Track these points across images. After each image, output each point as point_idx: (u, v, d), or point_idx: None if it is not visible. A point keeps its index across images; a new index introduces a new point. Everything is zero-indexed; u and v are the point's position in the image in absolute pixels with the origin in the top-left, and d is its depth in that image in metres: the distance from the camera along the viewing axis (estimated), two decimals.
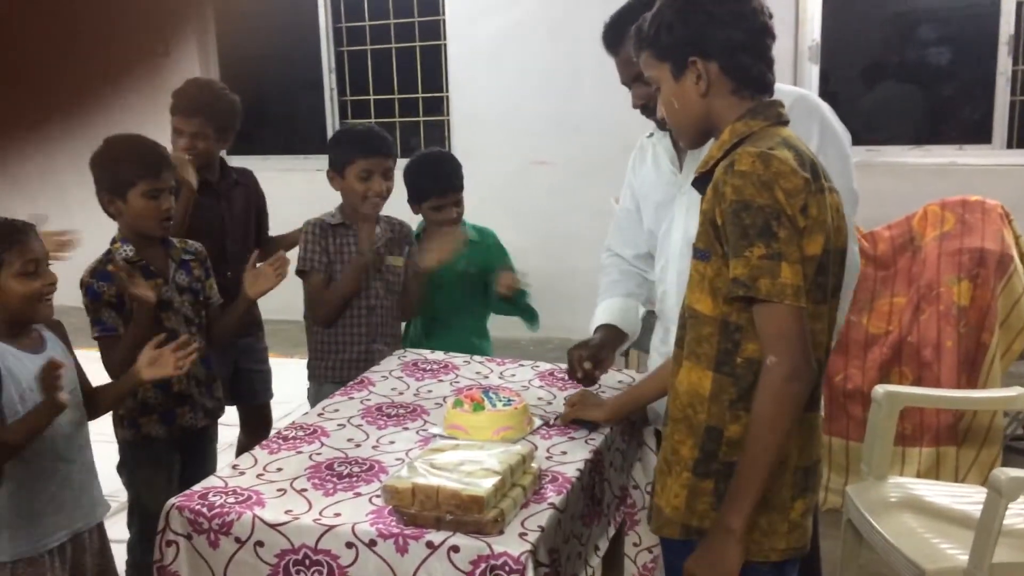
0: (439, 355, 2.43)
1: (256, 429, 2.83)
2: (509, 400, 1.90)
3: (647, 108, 1.97)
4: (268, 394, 2.96)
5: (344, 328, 2.50)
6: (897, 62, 5.26)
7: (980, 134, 4.76)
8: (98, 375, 2.10)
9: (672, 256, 1.96)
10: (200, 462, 2.32)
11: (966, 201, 3.28)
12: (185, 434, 2.29)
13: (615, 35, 1.96)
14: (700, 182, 1.53)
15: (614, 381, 2.19)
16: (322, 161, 2.63)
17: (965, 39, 5.02)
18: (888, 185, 4.15)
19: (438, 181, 2.67)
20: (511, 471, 1.55)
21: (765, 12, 1.48)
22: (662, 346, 2.05)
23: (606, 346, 2.09)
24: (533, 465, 1.64)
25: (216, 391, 2.37)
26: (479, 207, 3.07)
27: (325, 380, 2.50)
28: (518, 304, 2.71)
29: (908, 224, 3.32)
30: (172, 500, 1.60)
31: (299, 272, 2.50)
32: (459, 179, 2.69)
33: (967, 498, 2.24)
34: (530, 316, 2.76)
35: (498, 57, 5.42)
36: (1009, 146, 4.67)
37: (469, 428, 1.84)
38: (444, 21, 5.60)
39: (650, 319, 2.29)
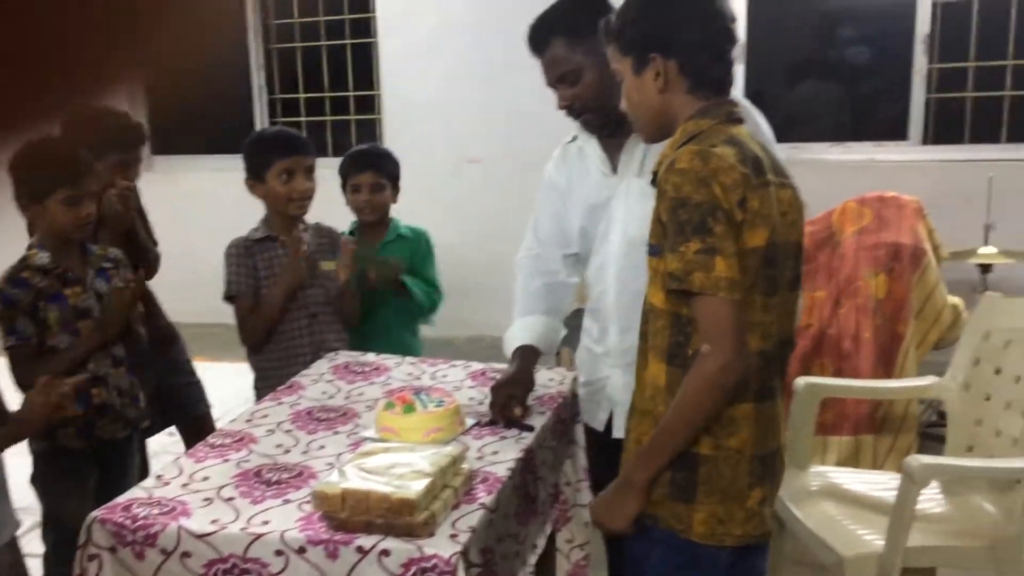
0: (371, 357, 2.43)
1: (196, 441, 2.77)
2: (440, 401, 1.91)
3: (572, 109, 1.99)
4: (204, 405, 2.88)
5: (288, 342, 2.47)
6: (818, 61, 5.40)
7: (897, 131, 4.92)
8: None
9: (611, 256, 1.99)
10: (119, 474, 2.26)
11: (883, 197, 3.40)
12: (104, 446, 2.24)
13: (539, 37, 1.98)
14: (655, 180, 1.56)
15: (545, 379, 2.21)
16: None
17: (883, 38, 5.19)
18: (810, 182, 4.21)
19: (355, 160, 2.71)
20: (442, 473, 1.57)
21: (727, 16, 1.53)
22: (597, 345, 2.08)
23: (529, 379, 2.03)
24: (464, 466, 1.66)
25: (141, 401, 2.33)
26: (414, 205, 3.08)
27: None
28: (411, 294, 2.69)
29: (828, 220, 3.43)
30: (94, 513, 1.57)
31: (226, 298, 2.46)
32: (378, 161, 2.71)
33: (883, 485, 2.33)
34: (416, 298, 2.71)
35: (430, 55, 5.42)
36: (924, 142, 4.84)
37: (400, 430, 1.85)
38: (375, 19, 5.57)
39: (575, 317, 2.32)
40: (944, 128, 4.82)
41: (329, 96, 5.87)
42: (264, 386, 2.45)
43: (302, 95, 5.92)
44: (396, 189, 2.75)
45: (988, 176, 3.70)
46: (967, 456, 2.25)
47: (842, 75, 5.35)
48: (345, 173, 2.73)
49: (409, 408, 1.87)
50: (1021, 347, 2.19)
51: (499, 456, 1.79)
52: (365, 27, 5.68)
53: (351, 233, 2.76)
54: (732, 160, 1.42)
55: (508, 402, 1.97)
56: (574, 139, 2.13)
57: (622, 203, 1.98)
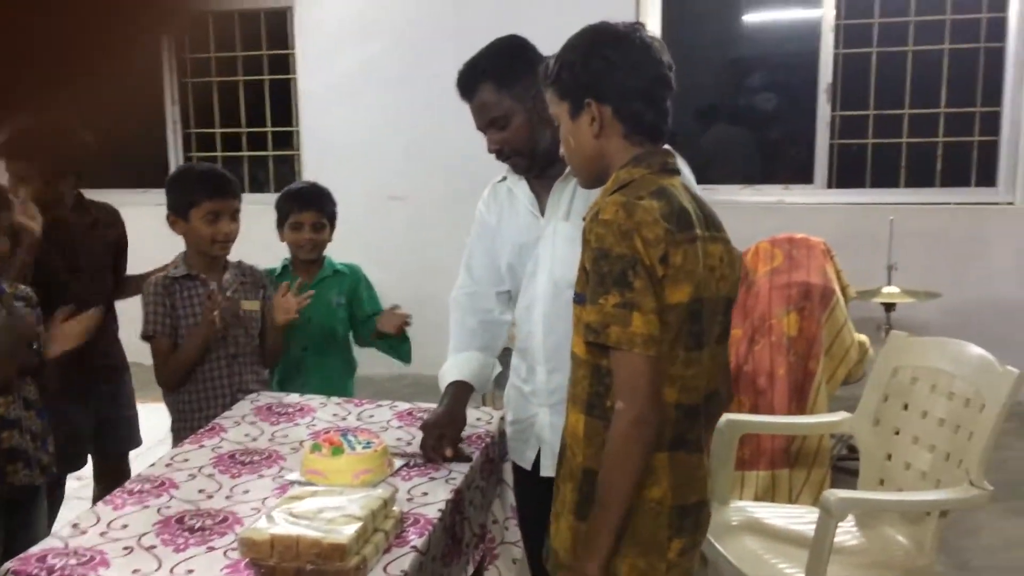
0: (294, 397, 2.39)
1: (111, 481, 2.68)
2: (368, 443, 1.89)
3: (501, 153, 2.02)
4: (135, 442, 2.82)
5: (206, 383, 2.41)
6: (729, 107, 5.60)
7: (804, 175, 5.12)
8: None
9: (537, 297, 2.01)
10: (28, 524, 2.15)
11: (792, 238, 3.53)
12: (14, 493, 2.14)
13: (468, 82, 2.00)
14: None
15: (472, 418, 2.21)
16: (164, 196, 2.56)
17: (789, 87, 5.42)
18: (723, 222, 4.40)
19: (297, 198, 2.69)
20: (373, 516, 1.55)
21: (664, 63, 1.54)
22: (525, 384, 2.09)
23: (460, 417, 2.05)
24: (395, 508, 1.64)
25: (50, 445, 2.24)
26: (335, 242, 3.06)
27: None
28: (399, 343, 2.71)
29: (742, 260, 3.53)
30: (7, 565, 1.50)
31: (143, 337, 2.40)
32: (320, 200, 2.71)
33: (801, 518, 2.40)
34: (401, 351, 2.77)
35: (352, 92, 5.42)
36: (829, 186, 5.05)
37: (328, 473, 1.82)
38: (294, 55, 5.54)
39: (504, 355, 2.34)
40: (847, 172, 5.05)
41: (246, 132, 5.80)
42: (182, 428, 2.39)
43: (218, 130, 5.84)
44: (333, 228, 2.76)
45: (889, 219, 3.88)
46: (879, 489, 2.34)
47: (751, 120, 5.56)
48: (285, 210, 2.71)
49: (337, 450, 1.85)
50: (927, 384, 2.30)
51: (429, 497, 1.78)
52: (284, 63, 5.65)
53: (283, 268, 2.74)
54: (656, 214, 1.42)
55: (439, 442, 1.98)
56: (504, 179, 2.15)
57: (549, 245, 2.01)
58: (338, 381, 2.71)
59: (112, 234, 2.76)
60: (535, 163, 2.02)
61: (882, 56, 4.92)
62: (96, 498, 2.71)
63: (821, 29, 4.92)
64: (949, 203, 4.87)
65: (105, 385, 2.68)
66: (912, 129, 4.95)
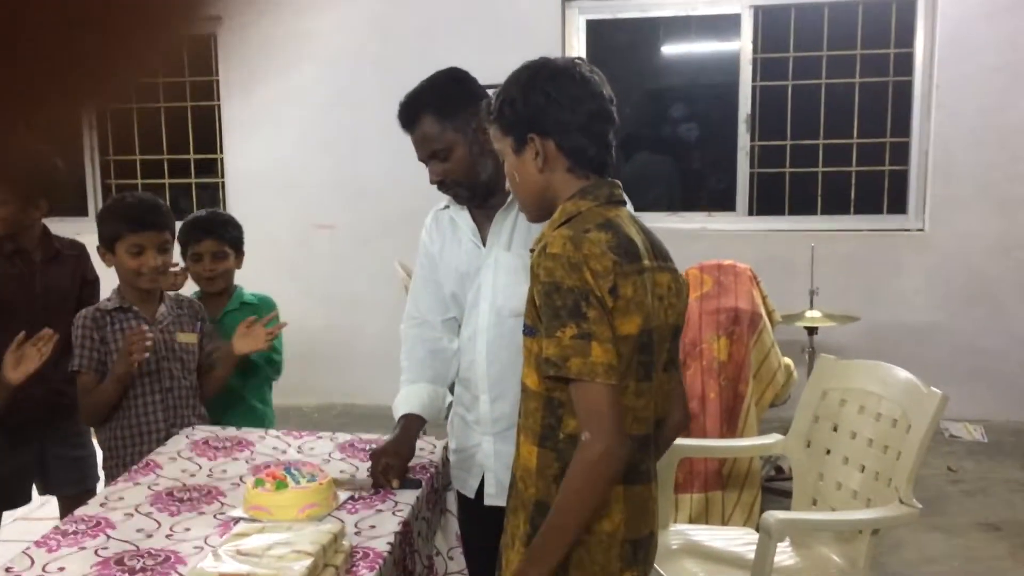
0: (231, 431, 2.34)
1: None
2: (312, 476, 1.87)
3: (443, 184, 2.03)
4: (94, 479, 2.69)
5: (139, 418, 2.33)
6: (651, 136, 5.73)
7: (726, 202, 5.27)
8: None
9: (480, 326, 2.02)
10: None
11: (721, 265, 3.62)
12: None
13: (409, 113, 2.00)
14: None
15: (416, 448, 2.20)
16: (81, 225, 2.51)
17: (711, 117, 5.58)
18: None
19: (195, 227, 2.63)
20: (323, 551, 1.53)
21: (605, 97, 1.56)
22: (468, 413, 2.09)
23: (408, 448, 2.05)
24: (344, 542, 1.62)
25: None
26: (258, 271, 3.01)
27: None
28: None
29: (687, 288, 3.61)
30: None
31: (69, 371, 2.33)
32: (219, 227, 2.63)
33: (738, 540, 2.45)
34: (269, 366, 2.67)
35: (277, 120, 5.36)
36: (750, 213, 5.20)
37: (273, 508, 1.79)
38: (217, 82, 5.46)
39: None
40: (766, 200, 5.21)
41: (168, 158, 5.69)
42: (114, 465, 2.31)
43: (139, 157, 5.70)
44: (240, 254, 2.69)
45: (811, 245, 4.02)
46: (812, 508, 2.40)
47: (674, 149, 5.70)
48: (184, 241, 2.63)
49: (281, 484, 1.82)
50: (855, 405, 2.38)
51: (377, 530, 1.77)
52: (207, 90, 5.56)
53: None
54: (604, 247, 1.43)
55: (385, 471, 1.97)
56: (446, 207, 2.16)
57: (490, 274, 2.02)
58: (255, 414, 2.63)
59: (76, 268, 2.67)
60: (477, 194, 2.04)
61: (797, 88, 5.11)
62: None
63: (740, 62, 5.09)
64: (863, 230, 5.06)
65: (56, 423, 2.57)
66: (826, 158, 5.15)
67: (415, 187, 5.28)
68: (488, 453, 2.05)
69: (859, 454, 2.32)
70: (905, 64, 4.99)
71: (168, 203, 5.97)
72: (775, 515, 2.03)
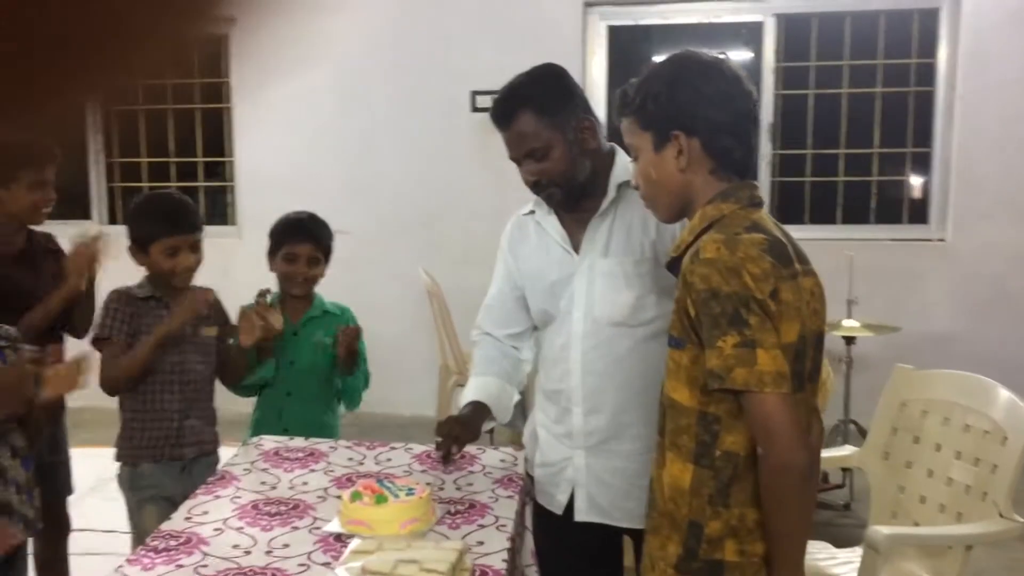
0: (299, 441, 2.25)
1: (52, 531, 2.45)
2: (410, 489, 1.78)
3: (538, 185, 1.95)
4: (69, 489, 2.65)
5: (158, 402, 2.29)
6: None
7: None
8: None
9: (575, 335, 1.94)
10: None
11: None
12: None
13: (506, 109, 1.92)
14: (673, 266, 1.52)
15: (495, 460, 2.12)
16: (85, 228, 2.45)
17: None
18: None
19: (294, 229, 2.54)
20: (452, 569, 1.44)
21: (752, 97, 1.49)
22: (557, 426, 2.01)
23: (476, 426, 2.02)
24: (467, 559, 1.54)
25: (36, 498, 2.03)
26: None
27: (140, 459, 2.28)
28: (353, 375, 2.56)
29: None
30: None
31: (95, 340, 2.28)
32: (319, 232, 2.57)
33: (814, 554, 2.38)
34: (352, 393, 2.61)
35: (289, 123, 5.26)
36: None
37: (373, 523, 1.70)
38: (228, 84, 5.35)
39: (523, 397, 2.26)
40: (786, 209, 5.18)
41: (175, 161, 5.56)
42: (125, 445, 2.31)
43: (144, 159, 5.57)
44: (327, 263, 2.61)
45: (848, 254, 3.98)
46: (892, 522, 2.35)
47: None
48: (279, 240, 2.55)
49: (381, 498, 1.73)
50: (938, 416, 2.33)
51: (487, 547, 1.68)
52: (217, 92, 5.44)
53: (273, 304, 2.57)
54: (759, 249, 1.36)
55: (449, 439, 1.98)
56: (532, 212, 2.08)
57: (584, 282, 1.94)
58: (319, 423, 2.55)
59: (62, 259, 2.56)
60: (572, 195, 1.96)
61: (819, 98, 5.09)
62: (37, 550, 2.49)
63: (762, 70, 5.06)
64: (884, 239, 5.05)
65: (47, 428, 2.47)
66: (848, 168, 5.13)
67: (432, 190, 5.26)
68: (580, 468, 1.97)
69: (945, 467, 2.27)
70: (927, 74, 4.99)
71: None
72: (881, 531, 1.97)
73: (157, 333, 2.23)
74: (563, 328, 1.97)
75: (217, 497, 1.89)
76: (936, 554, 2.20)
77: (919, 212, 5.11)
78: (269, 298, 2.41)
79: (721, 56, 1.53)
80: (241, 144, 5.39)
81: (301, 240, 2.52)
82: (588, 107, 1.97)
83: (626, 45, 5.34)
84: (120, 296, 2.30)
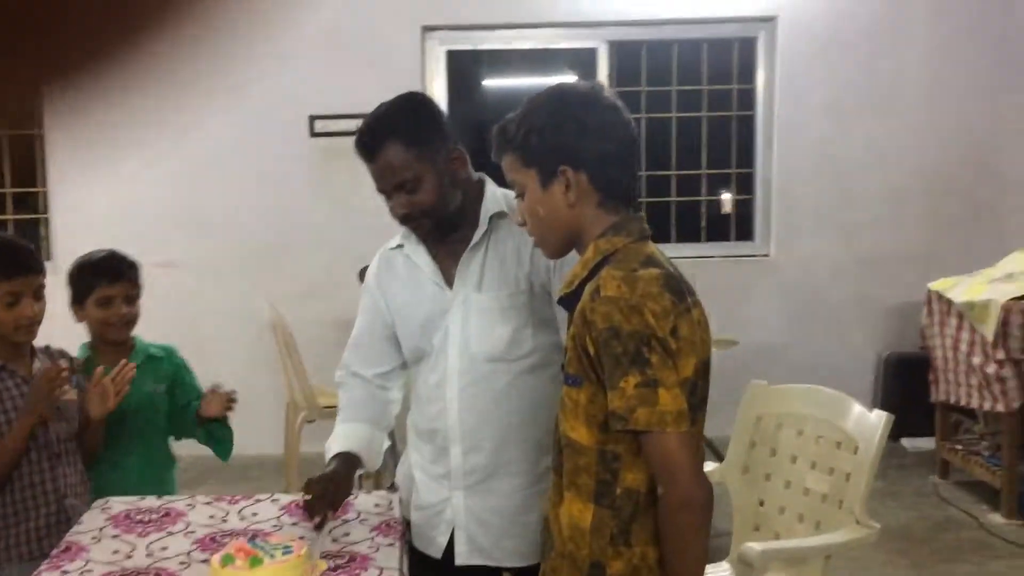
0: (151, 500, 2.07)
1: None
2: (287, 547, 1.66)
3: (409, 217, 1.89)
4: None
5: (26, 489, 2.03)
6: None
7: None
8: None
9: (451, 372, 1.88)
10: None
11: None
12: None
13: (374, 141, 1.84)
14: (567, 301, 1.49)
15: (371, 505, 2.03)
16: None
17: None
18: None
19: (104, 269, 2.34)
20: None
21: (632, 124, 1.48)
22: (434, 466, 1.94)
23: (348, 482, 1.88)
24: None
25: None
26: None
27: (11, 559, 2.00)
28: (219, 431, 2.44)
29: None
30: None
31: None
32: (131, 269, 2.38)
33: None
34: (224, 444, 2.49)
35: (111, 149, 4.93)
36: None
37: None
38: (42, 108, 4.96)
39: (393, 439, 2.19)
40: None
41: None
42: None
43: None
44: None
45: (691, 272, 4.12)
46: (755, 535, 2.43)
47: None
48: (87, 284, 2.34)
49: (256, 560, 1.60)
50: (792, 429, 2.43)
51: None
52: (27, 116, 5.03)
53: (87, 358, 2.37)
54: (659, 285, 1.36)
55: (323, 501, 1.81)
56: (399, 246, 2.01)
57: (459, 318, 1.89)
58: (155, 476, 2.39)
59: None
60: (443, 227, 1.91)
61: (650, 121, 5.28)
62: None
63: None
64: (715, 256, 5.29)
65: None
66: (679, 189, 5.35)
67: (272, 219, 5.07)
68: (459, 508, 1.92)
69: (802, 477, 2.37)
70: (748, 99, 5.29)
71: None
72: (755, 547, 2.02)
73: (16, 426, 1.99)
74: (438, 365, 1.92)
75: (64, 574, 1.70)
76: (797, 562, 2.29)
77: (745, 229, 5.39)
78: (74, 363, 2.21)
79: (597, 84, 1.53)
80: (55, 173, 5.00)
81: (113, 280, 2.34)
82: (456, 137, 1.93)
83: (461, 69, 5.35)
84: None
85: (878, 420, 2.21)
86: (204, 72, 4.89)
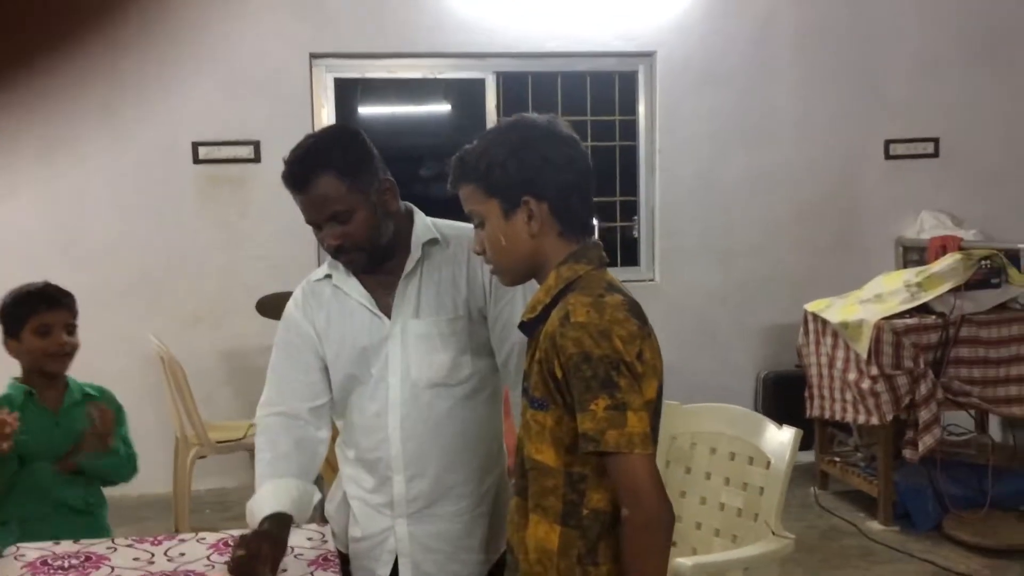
0: (67, 545, 1.96)
1: None
2: None
3: (341, 249, 1.87)
4: None
5: None
6: (404, 194, 5.78)
7: None
8: None
9: (392, 401, 1.87)
10: None
11: None
12: None
13: (305, 173, 1.82)
14: (528, 327, 1.51)
15: (303, 540, 1.99)
16: None
17: None
18: None
19: (40, 298, 2.27)
20: None
21: (588, 157, 1.54)
22: (374, 496, 1.92)
23: (283, 542, 1.78)
24: None
25: None
26: None
27: None
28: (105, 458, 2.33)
29: None
30: None
31: None
32: (66, 297, 2.33)
33: None
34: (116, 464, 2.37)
35: None
36: None
37: None
38: None
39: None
40: None
41: None
42: None
43: None
44: None
45: None
46: (674, 550, 2.51)
47: (424, 208, 5.76)
48: (23, 314, 2.25)
49: None
50: (705, 448, 2.53)
51: None
52: None
53: (26, 394, 2.26)
54: (625, 311, 1.41)
55: (261, 561, 1.68)
56: (326, 277, 1.99)
57: (398, 346, 1.88)
58: (100, 532, 2.28)
59: None
60: (375, 258, 1.91)
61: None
62: None
63: (486, 123, 5.28)
64: None
65: None
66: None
67: (154, 247, 4.88)
68: (403, 537, 1.91)
69: (717, 493, 2.46)
70: (630, 130, 5.48)
71: None
72: (686, 563, 2.09)
73: None
74: (377, 394, 1.91)
75: None
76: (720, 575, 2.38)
77: (630, 255, 5.56)
78: None
79: (553, 117, 1.58)
80: None
81: (52, 308, 2.25)
82: (386, 168, 1.94)
83: (342, 97, 5.32)
84: None
85: (789, 435, 2.33)
86: (85, 96, 4.69)
